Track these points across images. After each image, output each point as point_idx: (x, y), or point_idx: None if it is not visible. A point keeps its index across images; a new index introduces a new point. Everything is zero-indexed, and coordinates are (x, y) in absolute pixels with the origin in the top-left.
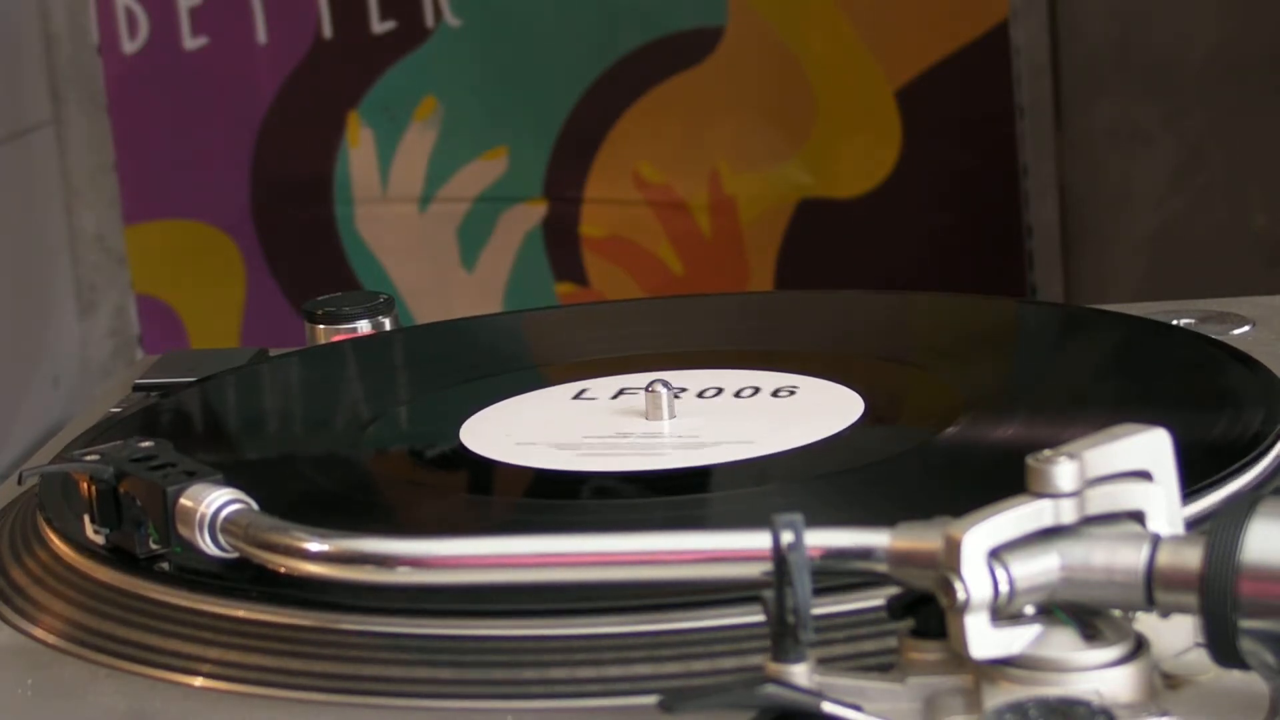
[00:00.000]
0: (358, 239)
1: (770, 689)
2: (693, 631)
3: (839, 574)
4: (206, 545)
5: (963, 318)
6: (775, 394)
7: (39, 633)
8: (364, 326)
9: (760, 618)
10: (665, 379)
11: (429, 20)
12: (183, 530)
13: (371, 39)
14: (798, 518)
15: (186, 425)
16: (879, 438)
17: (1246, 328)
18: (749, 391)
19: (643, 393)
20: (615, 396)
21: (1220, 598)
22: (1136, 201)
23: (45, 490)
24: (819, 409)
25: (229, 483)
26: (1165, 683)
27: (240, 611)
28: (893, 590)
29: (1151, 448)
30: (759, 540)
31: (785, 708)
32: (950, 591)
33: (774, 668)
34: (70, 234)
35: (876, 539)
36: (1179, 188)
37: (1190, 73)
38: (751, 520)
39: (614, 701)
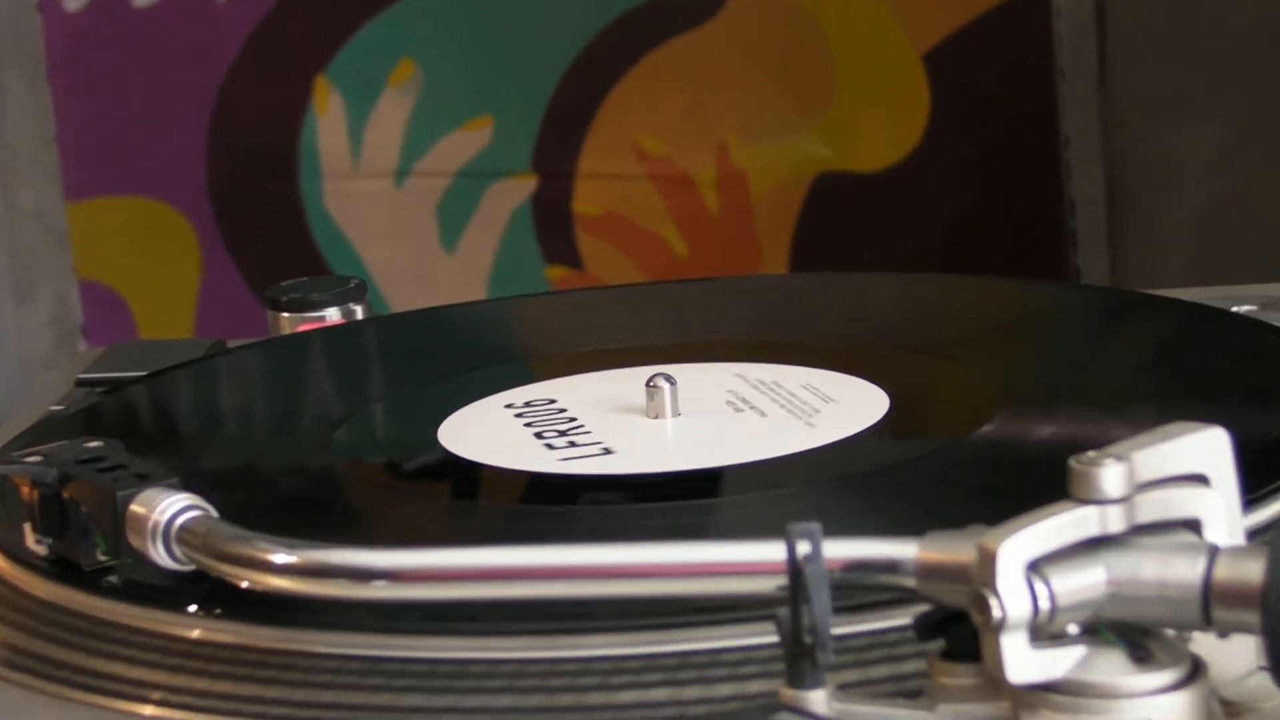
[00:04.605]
0: (326, 217)
1: (785, 717)
2: (698, 653)
3: (861, 589)
4: (160, 556)
5: (998, 304)
6: (790, 389)
7: None
8: (333, 315)
9: (774, 638)
10: (668, 373)
11: None
12: (134, 540)
13: None
14: (815, 526)
15: (136, 425)
16: (905, 437)
17: None
18: (761, 386)
19: (643, 388)
20: (614, 392)
21: None
22: (1189, 175)
23: None
24: (838, 405)
25: (185, 487)
26: (1224, 710)
27: (196, 631)
28: (921, 607)
29: (1208, 448)
30: (772, 551)
31: None
32: (985, 608)
33: (789, 693)
34: (6, 212)
35: (903, 550)
36: (1236, 160)
37: (1246, 35)
38: (764, 529)
39: None
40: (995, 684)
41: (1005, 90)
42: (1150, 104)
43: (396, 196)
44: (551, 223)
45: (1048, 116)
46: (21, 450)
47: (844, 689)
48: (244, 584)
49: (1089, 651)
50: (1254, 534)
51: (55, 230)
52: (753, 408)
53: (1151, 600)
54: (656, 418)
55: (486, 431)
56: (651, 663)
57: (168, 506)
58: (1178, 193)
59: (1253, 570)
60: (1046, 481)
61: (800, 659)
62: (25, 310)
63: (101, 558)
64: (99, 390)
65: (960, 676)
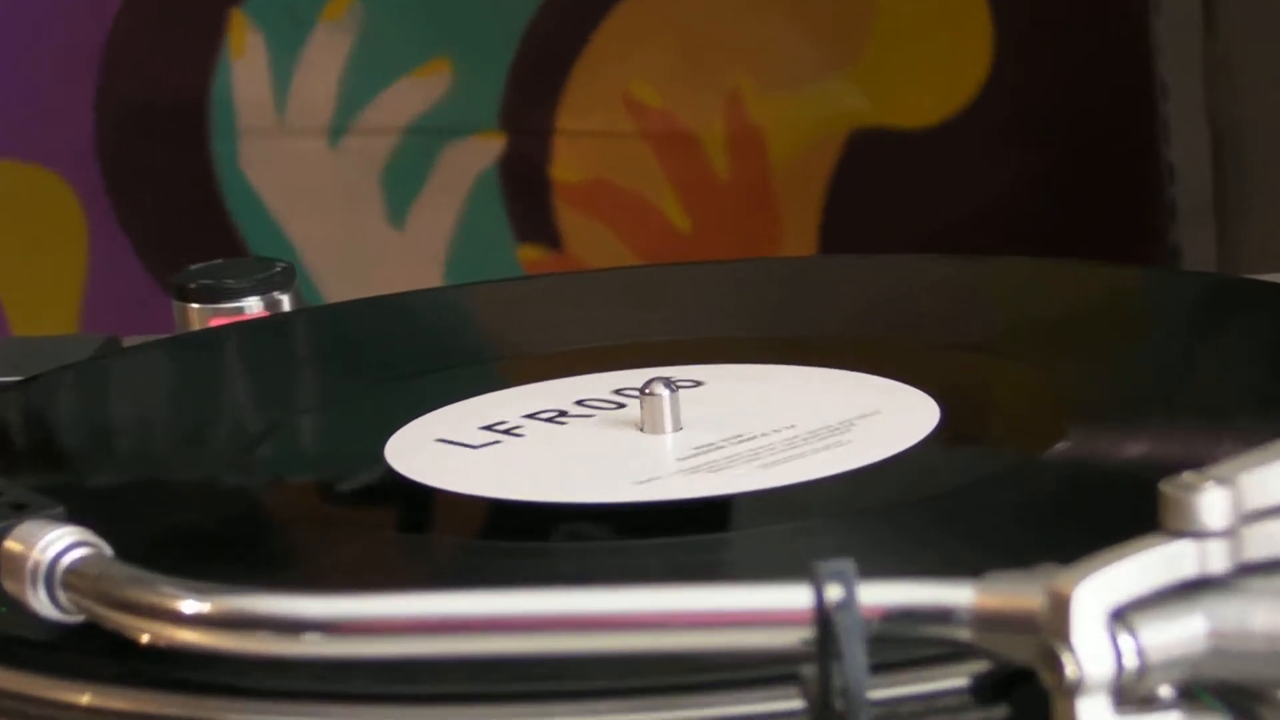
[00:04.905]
0: (244, 185)
1: None
2: None
3: (905, 642)
4: (42, 604)
5: (1076, 292)
6: (817, 397)
7: None
8: (254, 305)
9: (797, 703)
10: (667, 376)
11: None
12: (9, 584)
13: None
14: (848, 566)
15: (9, 441)
16: (959, 457)
17: None
18: (781, 393)
19: (636, 395)
20: (599, 401)
21: None
22: None
23: None
24: (877, 417)
25: (73, 519)
26: None
27: (86, 696)
28: (979, 665)
29: None
30: (795, 597)
31: None
32: (1057, 666)
33: None
34: None
35: (956, 595)
36: None
37: None
38: (785, 570)
39: None
40: None
41: (1087, 27)
42: (1263, 49)
43: (331, 159)
44: (523, 192)
45: (1141, 61)
46: None
47: None
48: (145, 638)
49: (1185, 719)
50: None
51: None
52: (771, 420)
53: (1262, 656)
54: (652, 432)
55: (444, 449)
56: None
57: (51, 543)
58: None
59: None
60: (1132, 510)
61: None
62: None
63: None
64: None
65: None
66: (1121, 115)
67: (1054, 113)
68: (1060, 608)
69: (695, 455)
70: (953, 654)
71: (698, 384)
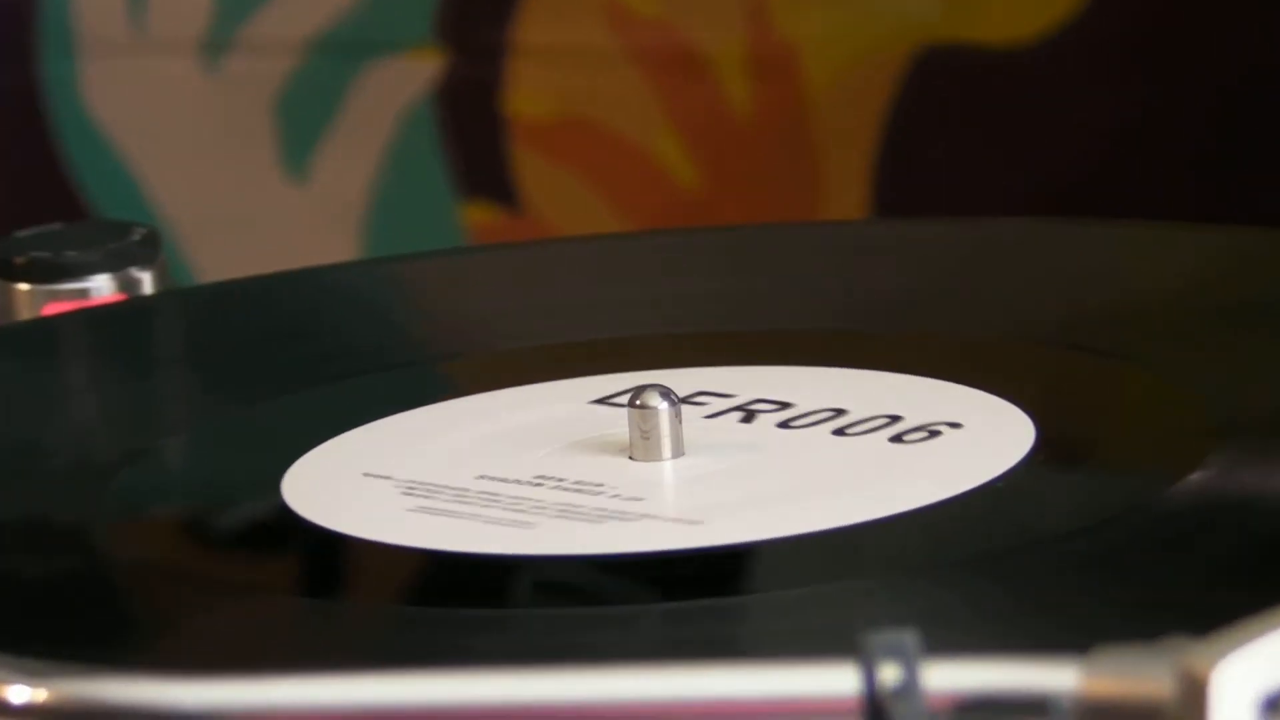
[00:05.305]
0: (88, 122)
1: None
2: None
3: None
4: None
5: (1216, 268)
6: (869, 411)
7: None
8: (104, 286)
9: None
10: (664, 384)
11: None
12: None
13: None
14: (909, 639)
15: None
16: (1059, 492)
17: None
18: (820, 407)
19: (624, 410)
20: (571, 418)
21: None
22: None
23: None
24: (950, 439)
25: None
26: None
27: None
28: None
29: None
30: (837, 680)
31: None
32: None
33: None
34: None
35: (1055, 678)
36: None
37: None
38: (824, 644)
39: None
40: None
41: None
42: None
43: (208, 86)
44: (468, 131)
45: None
46: None
47: None
48: None
49: None
50: None
51: None
52: (805, 444)
53: None
54: (645, 459)
55: (361, 483)
56: None
57: None
58: None
59: None
60: None
61: None
62: None
63: None
64: None
65: None
66: (1267, 33)
67: (1188, 26)
68: (1195, 695)
69: (701, 489)
70: None
71: (703, 395)
